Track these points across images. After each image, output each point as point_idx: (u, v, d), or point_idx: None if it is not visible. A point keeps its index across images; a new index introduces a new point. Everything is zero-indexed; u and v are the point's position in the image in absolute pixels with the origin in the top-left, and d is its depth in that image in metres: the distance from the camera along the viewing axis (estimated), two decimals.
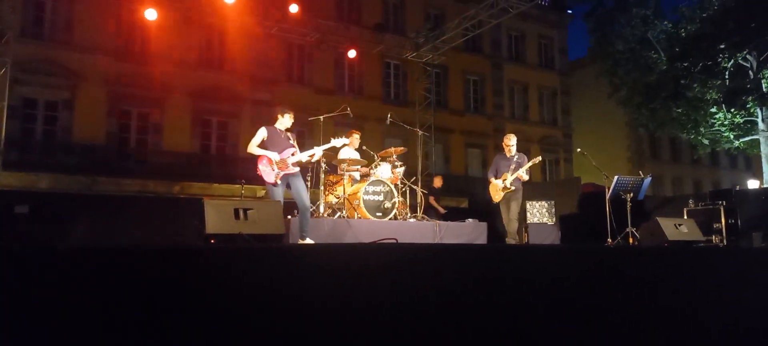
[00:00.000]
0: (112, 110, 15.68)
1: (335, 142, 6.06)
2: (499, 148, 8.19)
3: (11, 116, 12.27)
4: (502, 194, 6.97)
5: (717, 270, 3.75)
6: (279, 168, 5.62)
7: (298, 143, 5.95)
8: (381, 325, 2.29)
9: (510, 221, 6.94)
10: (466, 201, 18.60)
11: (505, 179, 6.93)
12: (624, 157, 27.82)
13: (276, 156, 5.65)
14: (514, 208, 6.93)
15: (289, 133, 5.88)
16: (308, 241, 5.61)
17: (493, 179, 7.12)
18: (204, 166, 16.70)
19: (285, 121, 5.87)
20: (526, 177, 6.98)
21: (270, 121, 5.96)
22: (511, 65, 23.85)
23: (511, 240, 6.90)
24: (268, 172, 5.62)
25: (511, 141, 7.15)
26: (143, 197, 13.94)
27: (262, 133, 5.74)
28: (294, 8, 11.57)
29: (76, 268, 1.92)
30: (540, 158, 7.18)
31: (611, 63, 19.30)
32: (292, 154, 5.74)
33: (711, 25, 16.16)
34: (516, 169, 6.88)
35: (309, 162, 6.07)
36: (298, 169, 5.77)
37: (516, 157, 7.04)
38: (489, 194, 7.27)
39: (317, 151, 5.94)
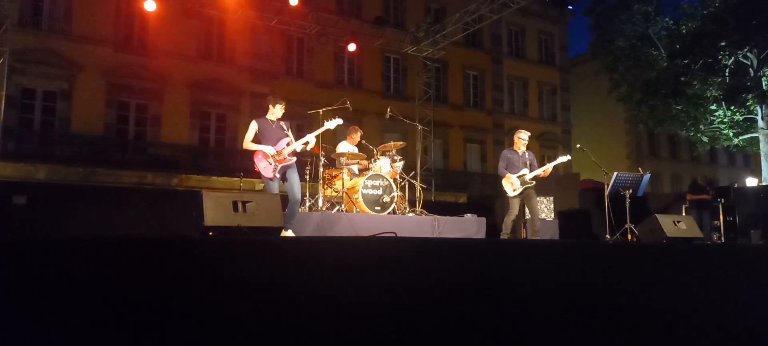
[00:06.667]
0: (111, 101, 15.64)
1: (329, 124, 5.90)
2: (500, 143, 8.11)
3: (9, 106, 12.20)
4: (521, 188, 6.82)
5: (715, 267, 3.75)
6: (276, 161, 5.54)
7: (295, 137, 5.82)
8: (380, 318, 2.28)
9: (534, 217, 6.82)
10: (465, 196, 18.62)
11: (523, 175, 6.82)
12: (623, 154, 27.85)
13: (271, 149, 5.55)
14: (535, 204, 6.88)
15: (282, 123, 5.75)
16: (290, 233, 5.46)
17: (509, 174, 6.89)
18: (202, 159, 16.68)
19: (276, 111, 5.73)
20: (549, 172, 6.93)
21: (262, 114, 5.83)
22: (511, 61, 23.82)
23: (535, 234, 6.75)
24: (265, 166, 5.52)
25: (525, 136, 7.01)
26: (141, 188, 13.95)
27: (253, 127, 5.64)
28: (294, 0, 11.46)
29: (74, 258, 1.90)
30: (569, 157, 7.12)
31: (611, 60, 19.25)
32: (288, 144, 5.64)
33: (712, 23, 16.13)
34: (529, 164, 6.84)
35: (304, 150, 5.96)
36: (294, 159, 5.68)
37: (526, 153, 6.97)
38: (502, 188, 7.05)
39: (311, 138, 5.80)
